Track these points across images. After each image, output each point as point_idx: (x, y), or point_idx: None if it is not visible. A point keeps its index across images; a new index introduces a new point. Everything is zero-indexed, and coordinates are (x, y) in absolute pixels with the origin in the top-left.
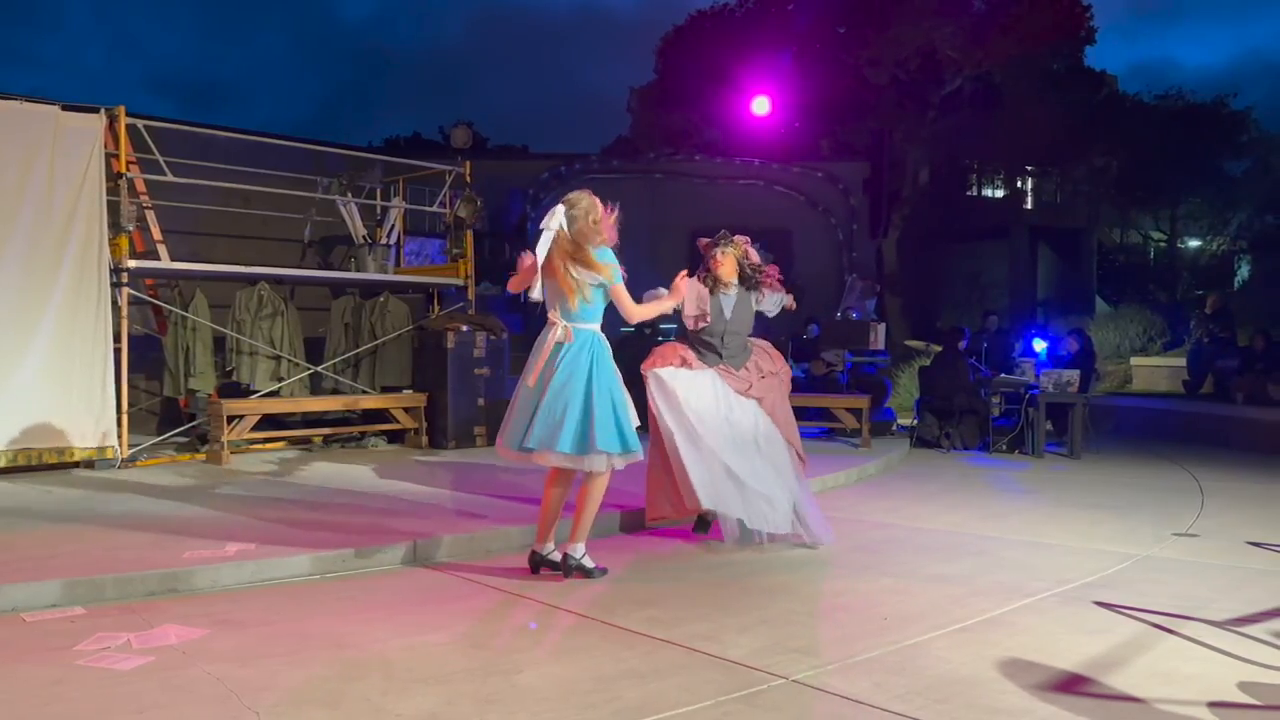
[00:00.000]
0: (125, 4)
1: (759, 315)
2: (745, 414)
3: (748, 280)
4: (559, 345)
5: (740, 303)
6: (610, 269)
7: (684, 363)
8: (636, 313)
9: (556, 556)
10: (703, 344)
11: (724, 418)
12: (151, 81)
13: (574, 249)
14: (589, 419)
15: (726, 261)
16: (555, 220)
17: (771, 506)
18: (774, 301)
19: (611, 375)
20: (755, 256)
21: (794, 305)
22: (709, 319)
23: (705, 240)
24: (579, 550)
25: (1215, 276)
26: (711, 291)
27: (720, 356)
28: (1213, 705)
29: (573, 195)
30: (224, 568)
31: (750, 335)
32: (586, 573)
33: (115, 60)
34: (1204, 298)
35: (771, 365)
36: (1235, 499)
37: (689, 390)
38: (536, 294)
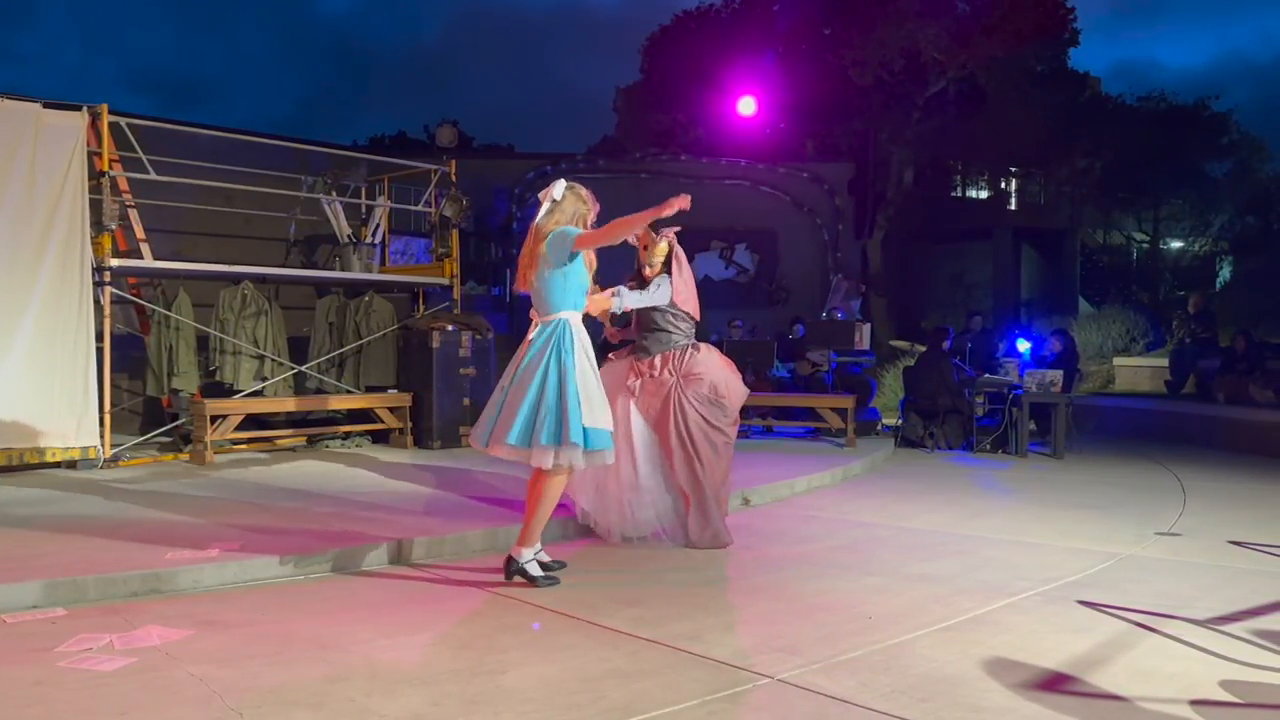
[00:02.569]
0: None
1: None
2: (633, 408)
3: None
4: (531, 340)
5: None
6: (570, 234)
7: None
8: (589, 237)
9: (544, 557)
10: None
11: (622, 407)
12: (129, 78)
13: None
14: (536, 412)
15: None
16: (552, 192)
17: (633, 511)
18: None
19: (572, 366)
20: (680, 254)
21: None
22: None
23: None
24: (525, 555)
25: (1197, 277)
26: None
27: (644, 346)
28: (1195, 703)
29: (575, 184)
30: (207, 568)
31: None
32: (530, 579)
33: (92, 56)
34: (1186, 298)
35: (691, 367)
36: (1217, 498)
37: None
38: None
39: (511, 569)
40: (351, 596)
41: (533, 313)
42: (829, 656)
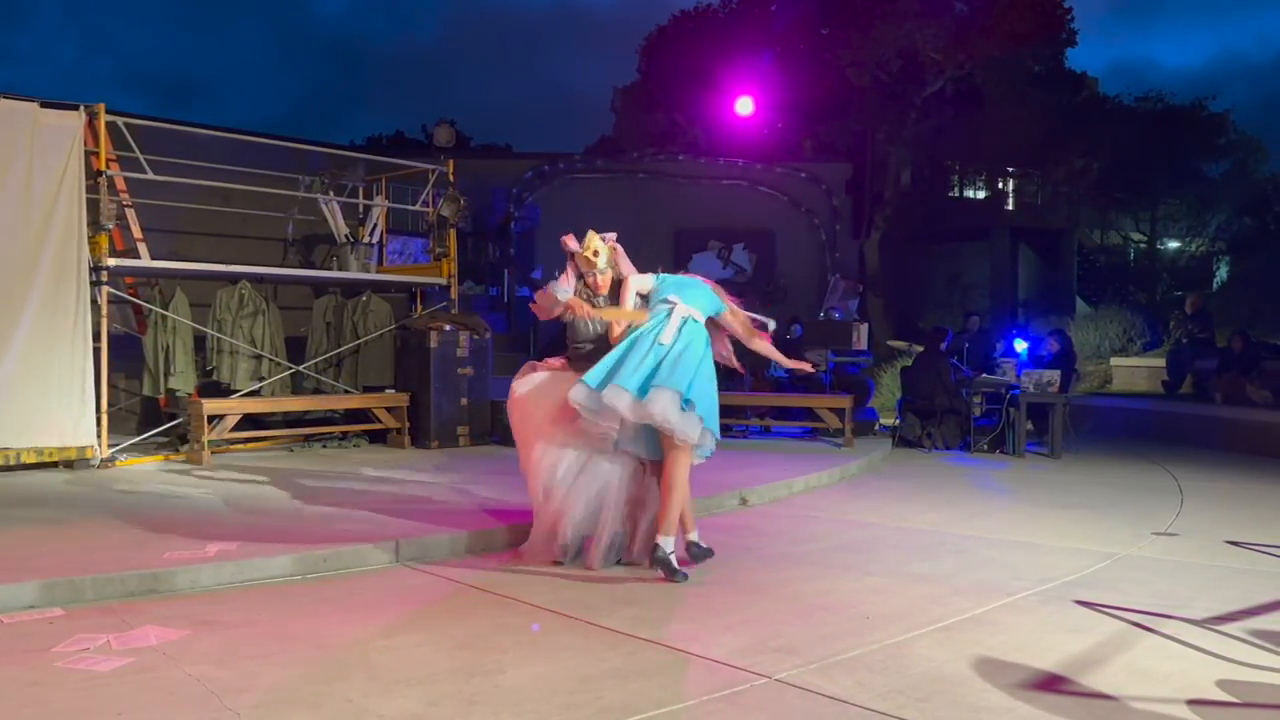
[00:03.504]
0: None
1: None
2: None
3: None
4: (685, 319)
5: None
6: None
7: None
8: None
9: (679, 549)
10: (578, 355)
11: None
12: (125, 77)
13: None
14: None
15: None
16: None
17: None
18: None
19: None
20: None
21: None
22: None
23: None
24: (669, 544)
25: (1194, 277)
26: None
27: (586, 355)
28: (1191, 703)
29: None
30: (204, 568)
31: None
32: (670, 572)
33: (88, 55)
34: (1183, 299)
35: None
36: (1214, 498)
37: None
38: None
39: (656, 558)
40: (349, 596)
41: (673, 296)
42: (826, 656)
